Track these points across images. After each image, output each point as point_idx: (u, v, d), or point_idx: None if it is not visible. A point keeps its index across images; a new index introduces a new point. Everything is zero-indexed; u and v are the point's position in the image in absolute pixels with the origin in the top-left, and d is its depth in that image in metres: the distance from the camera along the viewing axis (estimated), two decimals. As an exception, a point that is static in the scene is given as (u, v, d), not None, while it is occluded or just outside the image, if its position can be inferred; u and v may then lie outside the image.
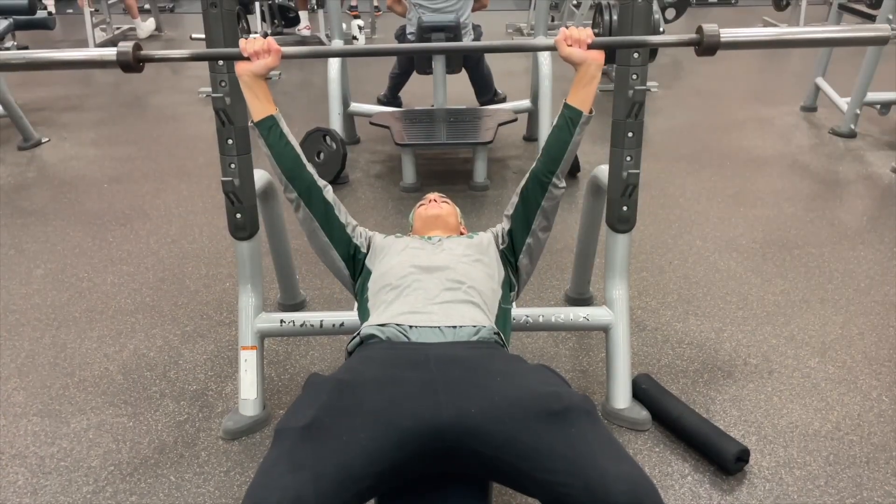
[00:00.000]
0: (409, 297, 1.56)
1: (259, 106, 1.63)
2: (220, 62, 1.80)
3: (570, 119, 1.64)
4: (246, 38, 1.60)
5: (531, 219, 1.74)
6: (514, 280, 1.79)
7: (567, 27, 1.63)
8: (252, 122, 1.66)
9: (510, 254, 1.78)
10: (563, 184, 1.73)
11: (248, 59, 1.60)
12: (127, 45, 1.55)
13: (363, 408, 1.26)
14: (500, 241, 1.79)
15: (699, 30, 1.55)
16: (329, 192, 1.75)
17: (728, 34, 1.55)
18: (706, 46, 1.54)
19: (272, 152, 1.66)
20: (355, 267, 1.77)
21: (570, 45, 1.60)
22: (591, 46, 1.60)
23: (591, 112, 1.63)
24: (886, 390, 2.10)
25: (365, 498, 1.23)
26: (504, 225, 1.80)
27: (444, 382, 1.30)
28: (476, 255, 1.70)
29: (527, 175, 1.74)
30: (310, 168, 1.71)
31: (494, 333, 1.52)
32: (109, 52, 1.57)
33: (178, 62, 1.61)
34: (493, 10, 6.28)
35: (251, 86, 1.62)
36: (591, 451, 1.20)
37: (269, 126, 1.64)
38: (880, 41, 1.50)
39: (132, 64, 1.56)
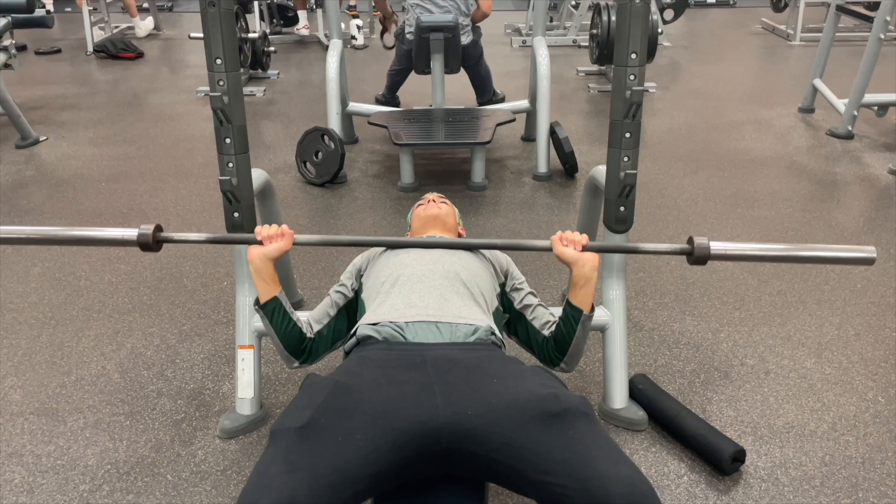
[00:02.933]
0: (405, 290, 1.57)
1: (265, 288, 1.61)
2: (219, 60, 1.80)
3: (572, 317, 1.61)
4: (261, 226, 1.62)
5: (518, 338, 1.78)
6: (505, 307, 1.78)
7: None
8: (257, 305, 1.63)
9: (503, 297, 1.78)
10: (570, 369, 1.69)
11: (261, 242, 1.60)
12: (148, 228, 1.56)
13: (360, 409, 1.26)
14: (504, 279, 1.78)
15: (690, 240, 1.57)
16: (311, 327, 1.69)
17: (717, 247, 1.55)
18: (697, 257, 1.56)
19: (276, 333, 1.63)
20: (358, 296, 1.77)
21: (566, 246, 1.59)
22: (585, 249, 1.59)
23: (591, 311, 1.60)
24: (882, 391, 2.11)
25: (361, 499, 1.24)
26: (508, 288, 1.78)
27: (441, 384, 1.30)
28: (474, 254, 1.71)
29: (539, 335, 1.70)
30: (307, 334, 1.67)
31: (492, 334, 1.52)
32: (130, 233, 1.58)
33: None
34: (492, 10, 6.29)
35: (261, 271, 1.60)
36: (589, 453, 1.20)
37: (273, 307, 1.62)
38: (866, 262, 1.53)
39: (152, 245, 1.57)
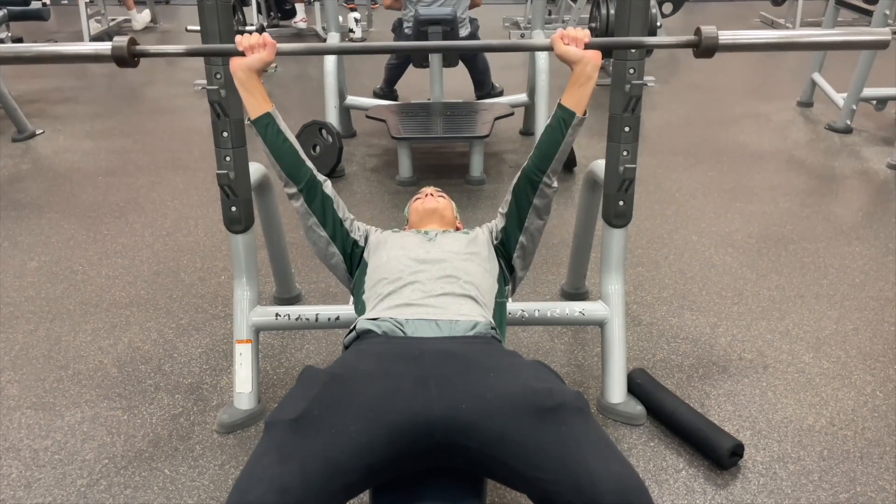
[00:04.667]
0: (405, 290, 1.56)
1: (255, 103, 1.61)
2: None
3: (563, 120, 1.62)
4: (241, 34, 1.59)
5: (524, 217, 1.73)
6: (507, 275, 1.79)
7: (564, 24, 1.61)
8: (248, 119, 1.64)
9: (503, 250, 1.77)
10: (555, 183, 1.71)
11: (242, 53, 1.58)
12: (122, 40, 1.54)
13: (354, 401, 1.26)
14: (494, 236, 1.78)
15: (697, 31, 1.53)
16: (328, 187, 1.74)
17: (726, 36, 1.53)
18: (704, 48, 1.53)
19: (270, 149, 1.65)
20: (353, 261, 1.77)
21: (567, 44, 1.58)
22: (588, 46, 1.58)
23: (584, 114, 1.60)
24: (881, 385, 2.11)
25: (355, 491, 1.23)
26: (498, 222, 1.79)
27: (437, 377, 1.30)
28: (472, 249, 1.70)
29: (519, 172, 1.73)
30: (308, 163, 1.70)
31: (491, 328, 1.52)
32: (104, 47, 1.56)
33: (173, 56, 1.60)
34: (490, 3, 6.26)
35: (246, 83, 1.59)
36: (581, 450, 1.20)
37: (265, 123, 1.62)
38: (880, 45, 1.47)
39: (127, 59, 1.54)
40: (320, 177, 1.72)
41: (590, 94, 1.59)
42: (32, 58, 1.62)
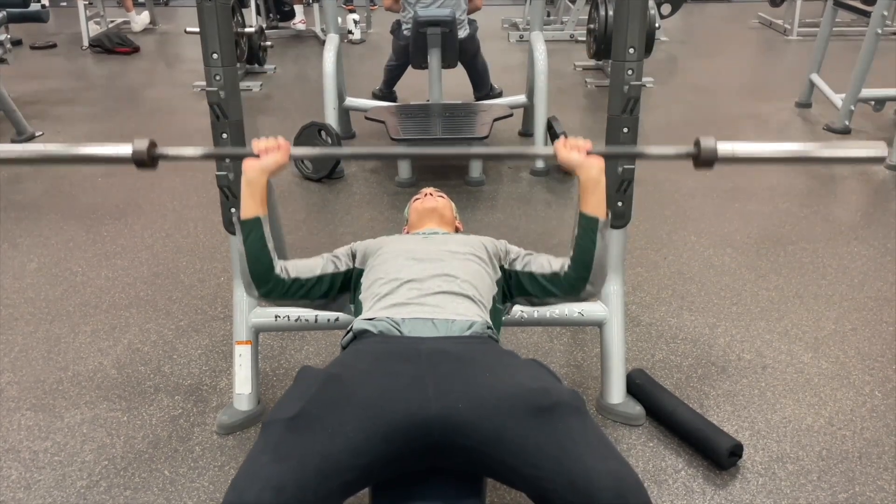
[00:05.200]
0: (402, 289, 1.56)
1: (252, 205, 1.59)
2: (215, 55, 1.79)
3: (589, 229, 1.57)
4: (257, 138, 1.59)
5: (545, 298, 1.68)
6: (506, 291, 1.74)
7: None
8: (237, 217, 1.61)
9: (505, 281, 1.73)
10: (597, 290, 1.62)
11: (257, 156, 1.58)
12: (143, 143, 1.51)
13: (351, 400, 1.26)
14: (504, 259, 1.74)
15: (696, 143, 1.52)
16: (287, 272, 1.63)
17: (725, 148, 1.49)
18: (703, 160, 1.50)
19: (247, 252, 1.59)
20: (349, 287, 1.72)
21: (570, 151, 1.56)
22: (589, 153, 1.56)
23: (608, 216, 1.56)
24: (879, 385, 2.11)
25: (351, 490, 1.24)
26: (513, 255, 1.73)
27: (434, 377, 1.30)
28: (471, 250, 1.70)
29: (552, 269, 1.64)
30: (276, 270, 1.62)
31: (488, 328, 1.52)
32: (125, 149, 1.52)
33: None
34: (489, 4, 6.25)
35: (253, 183, 1.57)
36: (578, 448, 1.20)
37: (252, 227, 1.59)
38: (876, 161, 1.48)
39: (147, 161, 1.53)
40: (283, 274, 1.63)
41: (603, 197, 1.55)
42: (50, 158, 1.59)
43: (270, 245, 1.61)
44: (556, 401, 1.27)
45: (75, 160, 1.59)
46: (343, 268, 1.71)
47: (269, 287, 1.62)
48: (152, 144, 1.54)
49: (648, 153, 1.58)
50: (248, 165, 1.58)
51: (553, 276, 1.64)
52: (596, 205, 1.56)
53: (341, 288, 1.70)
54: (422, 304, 1.51)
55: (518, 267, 1.70)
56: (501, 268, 1.72)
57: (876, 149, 1.45)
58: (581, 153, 1.56)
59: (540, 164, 3.73)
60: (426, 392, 1.27)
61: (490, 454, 1.24)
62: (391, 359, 1.37)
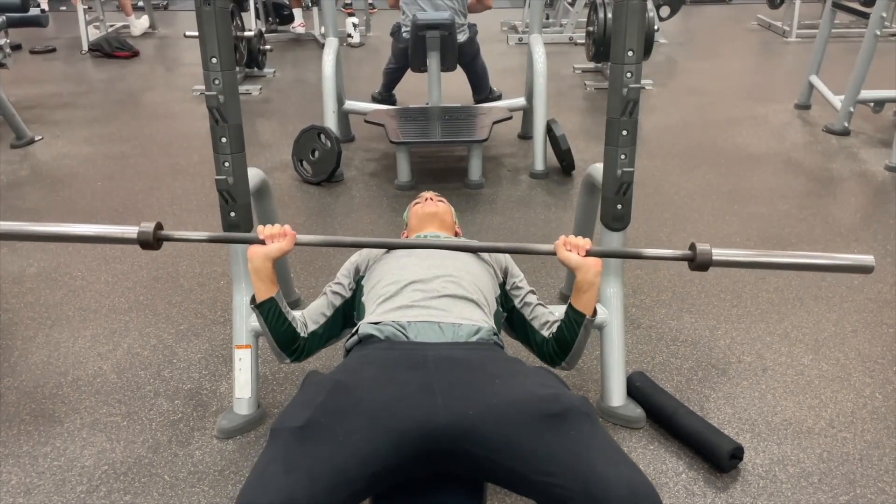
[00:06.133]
0: (406, 290, 1.56)
1: (263, 289, 1.60)
2: (214, 59, 1.79)
3: (574, 321, 1.61)
4: (263, 226, 1.60)
5: (511, 334, 1.79)
6: (504, 301, 1.77)
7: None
8: (253, 304, 1.62)
9: (504, 298, 1.77)
10: (571, 367, 1.69)
11: (263, 242, 1.58)
12: (148, 226, 1.53)
13: (360, 409, 1.26)
14: (502, 279, 1.77)
15: (692, 247, 1.55)
16: (316, 331, 1.69)
17: (720, 253, 1.52)
18: (699, 263, 1.54)
19: (270, 331, 1.62)
20: (356, 304, 1.75)
21: (570, 251, 1.58)
22: (589, 254, 1.58)
23: (594, 315, 1.61)
24: (880, 387, 2.11)
25: (360, 498, 1.23)
26: (508, 282, 1.78)
27: (442, 384, 1.30)
28: (475, 256, 1.70)
29: (540, 334, 1.70)
30: (301, 334, 1.66)
31: (494, 334, 1.52)
32: (130, 231, 1.54)
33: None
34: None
35: (260, 271, 1.58)
36: (590, 454, 1.20)
37: (269, 308, 1.60)
38: (864, 270, 1.51)
39: (152, 243, 1.54)
40: (305, 334, 1.68)
41: (595, 297, 1.60)
42: (56, 237, 1.59)
43: (290, 317, 1.64)
44: (567, 407, 1.27)
45: (80, 239, 1.61)
46: (349, 293, 1.74)
47: (298, 352, 1.67)
48: (158, 227, 1.56)
49: (646, 254, 1.62)
50: (253, 253, 1.58)
51: (536, 340, 1.71)
52: (586, 303, 1.59)
53: (346, 314, 1.75)
54: (427, 307, 1.51)
55: (517, 303, 1.75)
56: (502, 287, 1.75)
57: (865, 261, 1.50)
58: (580, 253, 1.58)
59: (539, 166, 3.73)
60: (434, 400, 1.27)
61: (499, 461, 1.24)
62: (399, 366, 1.37)
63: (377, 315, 1.54)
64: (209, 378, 2.19)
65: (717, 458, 1.80)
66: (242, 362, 1.98)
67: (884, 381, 2.13)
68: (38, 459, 1.87)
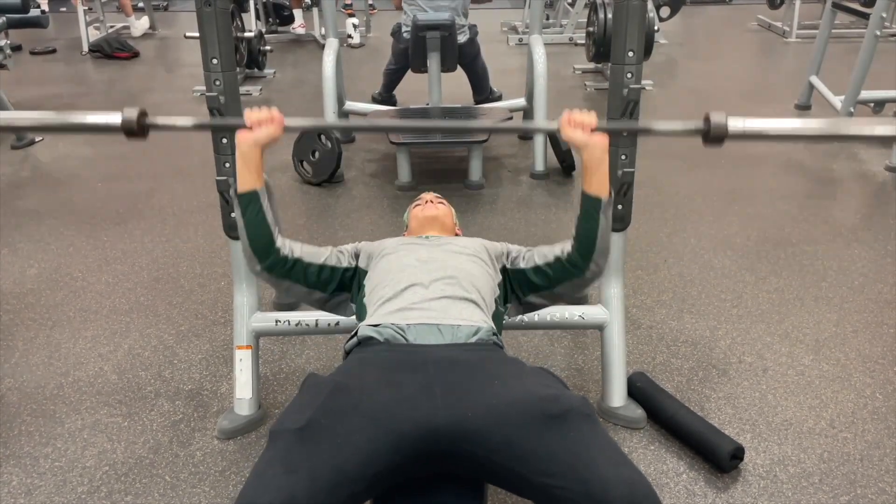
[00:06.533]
0: (406, 293, 1.56)
1: (248, 178, 1.57)
2: (215, 60, 1.80)
3: (592, 208, 1.56)
4: (250, 109, 1.58)
5: (555, 288, 1.66)
6: (508, 293, 1.74)
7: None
8: (234, 191, 1.60)
9: (511, 283, 1.72)
10: (601, 268, 1.61)
11: (250, 128, 1.57)
12: (132, 112, 1.50)
13: (360, 410, 1.26)
14: (507, 259, 1.73)
15: (706, 118, 1.49)
16: (295, 253, 1.63)
17: (736, 124, 1.45)
18: (713, 137, 1.47)
19: (246, 226, 1.59)
20: (353, 285, 1.72)
21: (574, 128, 1.55)
22: (595, 131, 1.55)
23: (610, 195, 1.56)
24: (880, 388, 2.11)
25: (360, 499, 1.23)
26: (514, 254, 1.73)
27: (442, 385, 1.30)
28: (473, 252, 1.70)
29: (554, 254, 1.64)
30: (277, 243, 1.61)
31: (493, 334, 1.52)
32: (114, 118, 1.52)
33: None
34: (488, 8, 6.28)
35: (247, 156, 1.56)
36: (590, 455, 1.20)
37: (250, 200, 1.58)
38: (887, 140, 1.44)
39: (137, 131, 1.51)
40: (286, 250, 1.62)
41: (607, 175, 1.54)
42: (41, 127, 1.60)
43: (270, 218, 1.60)
44: (567, 408, 1.27)
45: (65, 129, 1.59)
46: (345, 264, 1.70)
47: (271, 261, 1.60)
48: (142, 113, 1.52)
49: (656, 129, 1.55)
50: (241, 138, 1.56)
51: (556, 261, 1.63)
52: (599, 184, 1.54)
53: (340, 285, 1.70)
54: (426, 308, 1.51)
55: (521, 264, 1.69)
56: (504, 269, 1.72)
57: (892, 126, 1.42)
58: (585, 131, 1.53)
59: (540, 167, 3.73)
60: (434, 401, 1.27)
61: (499, 462, 1.24)
62: (398, 368, 1.36)
63: (376, 317, 1.53)
64: (210, 379, 2.19)
65: (718, 458, 1.80)
66: (243, 363, 1.98)
67: (884, 382, 2.13)
68: (39, 460, 1.87)
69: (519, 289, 1.71)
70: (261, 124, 1.57)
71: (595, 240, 1.56)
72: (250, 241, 1.59)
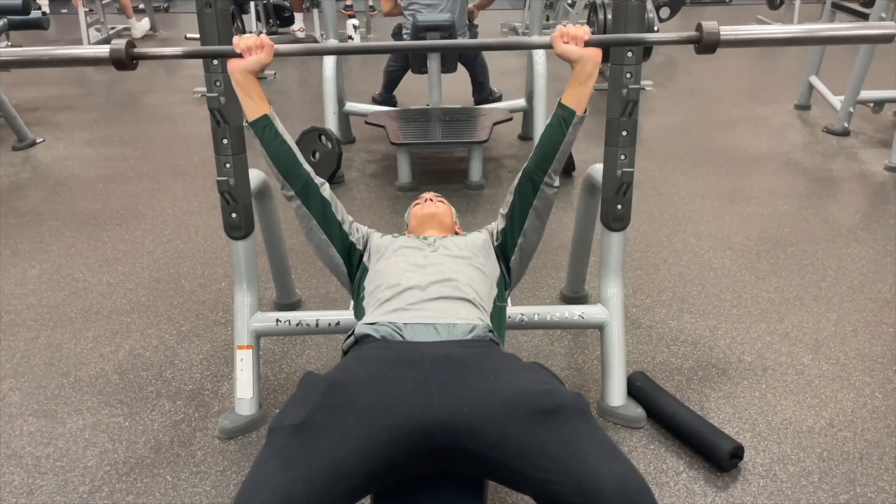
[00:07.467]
0: (403, 294, 1.57)
1: (252, 105, 1.62)
2: (215, 61, 1.80)
3: (563, 119, 1.62)
4: (239, 36, 1.59)
5: (524, 218, 1.73)
6: (507, 279, 1.79)
7: (564, 25, 1.61)
8: (246, 121, 1.65)
9: (502, 252, 1.77)
10: (557, 183, 1.71)
11: (240, 55, 1.58)
12: (120, 43, 1.53)
13: (356, 406, 1.27)
14: (494, 238, 1.78)
15: (699, 27, 1.53)
16: (326, 190, 1.74)
17: (728, 32, 1.53)
18: (706, 44, 1.52)
19: (267, 151, 1.66)
20: (352, 264, 1.77)
21: (567, 42, 1.58)
22: (588, 44, 1.57)
23: (584, 112, 1.61)
24: (880, 387, 2.11)
25: (357, 496, 1.24)
26: (499, 223, 1.79)
27: (438, 381, 1.30)
28: (471, 253, 1.71)
29: (520, 173, 1.73)
30: (306, 165, 1.71)
31: (489, 331, 1.52)
32: (102, 50, 1.56)
33: (172, 60, 1.61)
34: (488, 8, 6.28)
35: (243, 84, 1.60)
36: (583, 450, 1.21)
37: (263, 125, 1.63)
38: (885, 39, 1.46)
39: (125, 61, 1.54)
40: (318, 179, 1.72)
41: (590, 92, 1.59)
42: (31, 61, 1.63)
43: (289, 140, 1.65)
44: (561, 403, 1.27)
45: (55, 62, 1.62)
46: (354, 240, 1.77)
47: (303, 183, 1.68)
48: (130, 44, 1.55)
49: (649, 39, 1.59)
50: (233, 67, 1.59)
51: (515, 192, 1.71)
52: (579, 98, 1.59)
53: (341, 252, 1.76)
54: (423, 309, 1.52)
55: (507, 222, 1.75)
56: (501, 245, 1.76)
57: (886, 28, 1.43)
58: (578, 44, 1.57)
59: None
60: (430, 397, 1.27)
61: (495, 457, 1.25)
62: (394, 364, 1.37)
63: (374, 317, 1.54)
64: (211, 379, 2.20)
65: (718, 457, 1.80)
66: (244, 363, 1.98)
67: (884, 381, 2.14)
68: (41, 460, 1.88)
69: (504, 257, 1.77)
70: (250, 51, 1.58)
71: (556, 152, 1.63)
72: (276, 165, 1.65)
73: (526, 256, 1.79)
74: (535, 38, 1.62)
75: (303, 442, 1.21)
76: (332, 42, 3.96)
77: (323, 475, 1.17)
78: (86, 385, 2.18)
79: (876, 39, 1.48)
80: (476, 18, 4.51)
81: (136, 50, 1.57)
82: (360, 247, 1.77)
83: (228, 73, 1.60)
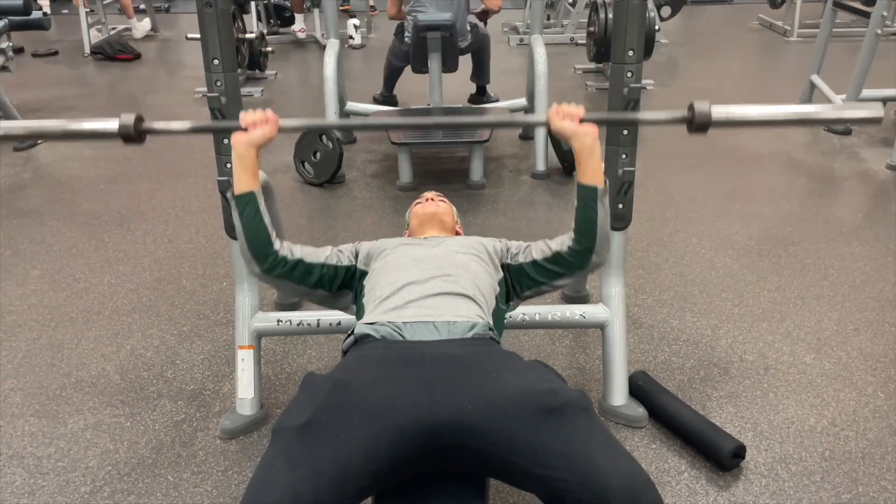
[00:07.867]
0: (402, 291, 1.56)
1: (244, 179, 1.58)
2: (216, 61, 1.80)
3: (588, 198, 1.57)
4: (245, 111, 1.59)
5: (558, 276, 1.66)
6: (510, 290, 1.73)
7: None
8: (231, 193, 1.61)
9: (512, 279, 1.71)
10: (603, 258, 1.64)
11: (245, 129, 1.58)
12: (129, 117, 1.52)
13: (360, 406, 1.27)
14: (507, 255, 1.73)
15: (691, 107, 1.52)
16: (295, 255, 1.64)
17: (720, 111, 1.49)
18: (698, 125, 1.51)
19: (244, 228, 1.60)
20: (354, 285, 1.72)
21: (563, 119, 1.57)
22: (583, 121, 1.57)
23: (605, 183, 1.57)
24: (882, 386, 2.11)
25: (363, 495, 1.24)
26: (514, 249, 1.73)
27: (441, 380, 1.31)
28: (471, 250, 1.70)
29: (553, 249, 1.65)
30: (275, 245, 1.62)
31: (489, 329, 1.52)
32: (111, 124, 1.54)
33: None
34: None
35: (244, 158, 1.57)
36: (588, 448, 1.21)
37: (247, 202, 1.59)
38: (873, 121, 1.48)
39: (133, 136, 1.53)
40: (285, 251, 1.63)
41: (600, 164, 1.56)
42: (40, 134, 1.63)
43: (267, 220, 1.61)
44: (565, 401, 1.27)
45: (65, 136, 1.61)
46: (345, 262, 1.71)
47: (270, 263, 1.61)
48: (139, 119, 1.54)
49: (643, 119, 1.58)
50: (237, 140, 1.58)
51: (556, 256, 1.64)
52: (593, 173, 1.57)
53: (342, 284, 1.70)
54: (422, 306, 1.51)
55: (521, 259, 1.70)
56: (505, 266, 1.72)
57: (872, 110, 1.45)
58: (574, 121, 1.56)
59: (541, 167, 3.73)
60: (434, 396, 1.27)
61: (499, 456, 1.25)
62: (396, 364, 1.37)
63: (373, 316, 1.54)
64: (212, 379, 2.20)
65: (720, 456, 1.80)
66: (245, 363, 1.98)
67: (886, 380, 2.14)
68: (42, 460, 1.88)
69: (518, 284, 1.71)
70: (256, 125, 1.58)
71: (595, 230, 1.58)
72: (248, 243, 1.61)
73: (539, 294, 1.75)
74: (533, 117, 1.63)
75: (308, 442, 1.21)
76: (333, 45, 3.93)
77: (329, 475, 1.17)
78: (87, 385, 2.18)
79: (863, 122, 1.50)
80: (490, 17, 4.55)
81: (145, 124, 1.56)
82: (352, 262, 1.72)
83: (232, 145, 1.58)
